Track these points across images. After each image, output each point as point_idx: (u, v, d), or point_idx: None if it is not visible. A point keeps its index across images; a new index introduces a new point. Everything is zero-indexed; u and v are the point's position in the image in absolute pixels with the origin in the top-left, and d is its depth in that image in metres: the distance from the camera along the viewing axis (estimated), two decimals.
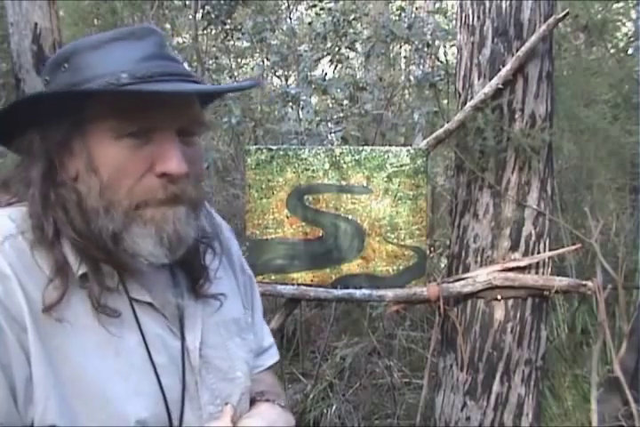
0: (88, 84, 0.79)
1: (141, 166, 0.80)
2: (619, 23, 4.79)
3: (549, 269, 2.24)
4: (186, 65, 0.93)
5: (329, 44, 4.16)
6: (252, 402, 0.99)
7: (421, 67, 4.49)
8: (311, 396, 3.19)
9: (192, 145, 0.85)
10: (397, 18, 4.24)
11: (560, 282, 2.17)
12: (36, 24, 4.07)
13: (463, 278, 2.22)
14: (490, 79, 2.16)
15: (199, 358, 0.89)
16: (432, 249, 3.64)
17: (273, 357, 1.12)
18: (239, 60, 5.89)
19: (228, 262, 1.03)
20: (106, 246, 0.81)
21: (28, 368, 0.75)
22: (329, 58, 4.22)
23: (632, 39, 4.72)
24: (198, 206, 0.87)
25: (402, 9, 4.54)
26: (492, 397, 2.24)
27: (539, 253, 2.21)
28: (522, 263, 2.17)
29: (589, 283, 2.16)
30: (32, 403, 0.75)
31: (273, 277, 2.26)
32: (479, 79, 2.21)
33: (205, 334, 0.91)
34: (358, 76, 4.69)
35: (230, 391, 0.92)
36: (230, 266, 1.04)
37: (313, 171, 2.22)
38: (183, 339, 0.88)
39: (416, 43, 3.91)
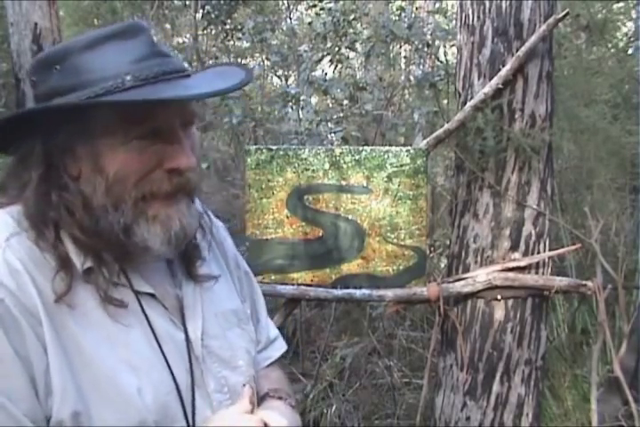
0: (90, 87, 0.79)
1: (149, 164, 0.82)
2: (619, 23, 4.79)
3: (549, 269, 2.24)
4: (176, 57, 0.95)
5: (329, 44, 4.16)
6: (264, 398, 1.01)
7: (421, 67, 4.50)
8: (311, 396, 3.19)
9: (191, 135, 0.88)
10: (397, 18, 4.23)
11: (560, 282, 2.16)
12: (35, 24, 4.07)
13: (463, 278, 2.22)
14: (490, 79, 2.15)
15: (202, 348, 0.90)
16: (432, 249, 3.63)
17: (280, 348, 1.15)
18: (239, 60, 5.89)
19: (221, 256, 1.06)
20: (118, 240, 0.83)
21: (45, 359, 0.77)
22: (329, 58, 4.22)
23: (632, 39, 4.71)
24: (195, 193, 0.90)
25: (402, 9, 4.54)
26: (492, 397, 2.24)
27: (539, 253, 2.20)
28: (522, 263, 2.17)
29: (589, 283, 2.16)
30: (51, 394, 0.77)
31: (273, 277, 2.26)
32: (479, 79, 2.21)
33: (206, 324, 0.93)
34: (358, 76, 4.70)
35: (235, 380, 0.93)
36: (224, 259, 1.06)
37: (313, 171, 2.22)
38: (185, 329, 0.90)
39: (416, 43, 3.91)
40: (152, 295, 0.88)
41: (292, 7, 5.27)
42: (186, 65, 0.93)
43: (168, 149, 0.83)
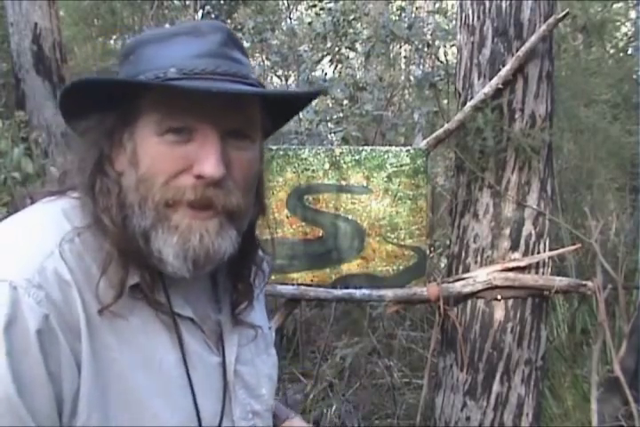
0: (141, 76, 0.78)
1: (179, 164, 0.77)
2: (618, 23, 4.79)
3: (549, 269, 2.24)
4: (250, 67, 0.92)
5: (329, 44, 4.16)
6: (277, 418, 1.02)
7: (421, 67, 4.49)
8: (311, 396, 3.19)
9: (243, 150, 0.81)
10: (397, 18, 4.24)
11: (560, 282, 2.17)
12: (35, 24, 4.07)
13: (463, 278, 2.22)
14: (490, 79, 2.16)
15: (233, 374, 0.88)
16: (432, 249, 3.63)
17: None
18: None
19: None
20: (138, 247, 0.78)
21: (77, 381, 0.73)
22: (329, 58, 4.22)
23: (631, 39, 4.72)
24: (239, 218, 0.82)
25: (402, 9, 4.54)
26: (492, 397, 2.24)
27: (539, 253, 2.21)
28: (522, 263, 2.17)
29: (589, 283, 2.16)
30: (75, 417, 0.73)
31: (273, 277, 2.26)
32: (479, 79, 2.21)
33: (240, 349, 0.91)
34: (358, 76, 4.69)
35: (258, 408, 0.92)
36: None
37: (313, 171, 2.22)
38: (224, 355, 0.88)
39: (416, 43, 3.91)
40: (191, 319, 0.85)
41: (291, 7, 5.28)
42: None
43: (199, 151, 0.76)
